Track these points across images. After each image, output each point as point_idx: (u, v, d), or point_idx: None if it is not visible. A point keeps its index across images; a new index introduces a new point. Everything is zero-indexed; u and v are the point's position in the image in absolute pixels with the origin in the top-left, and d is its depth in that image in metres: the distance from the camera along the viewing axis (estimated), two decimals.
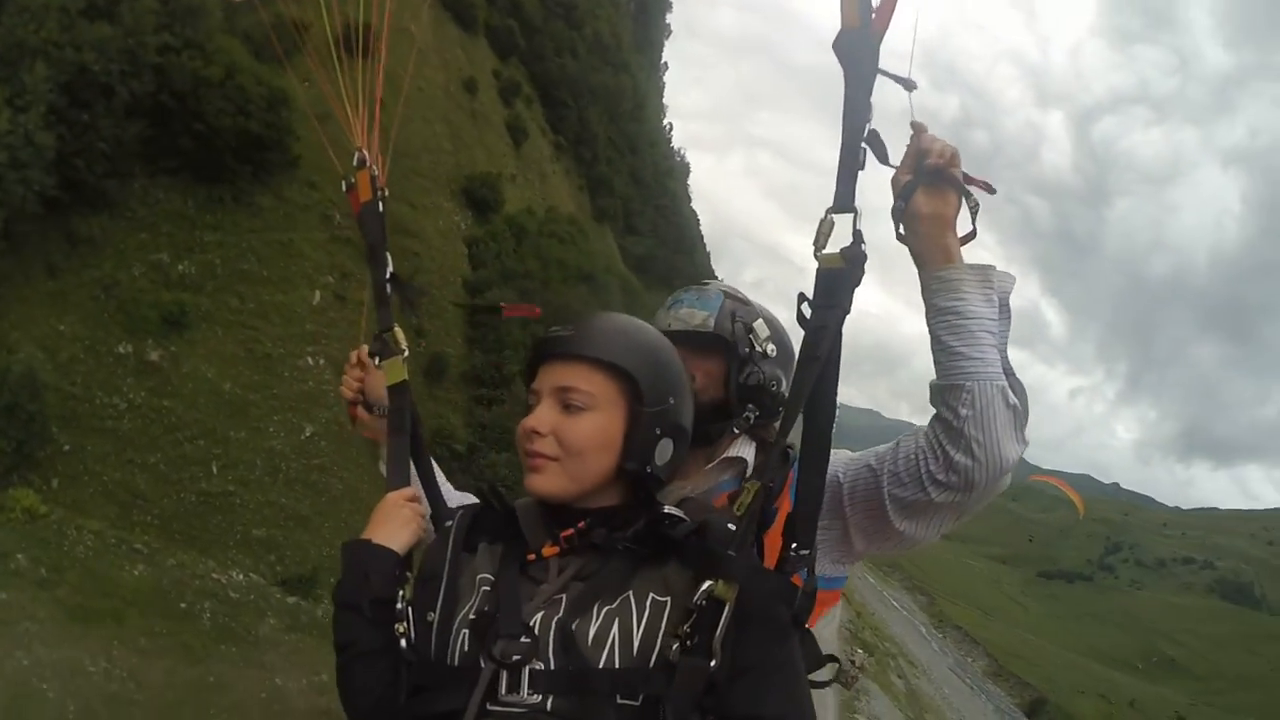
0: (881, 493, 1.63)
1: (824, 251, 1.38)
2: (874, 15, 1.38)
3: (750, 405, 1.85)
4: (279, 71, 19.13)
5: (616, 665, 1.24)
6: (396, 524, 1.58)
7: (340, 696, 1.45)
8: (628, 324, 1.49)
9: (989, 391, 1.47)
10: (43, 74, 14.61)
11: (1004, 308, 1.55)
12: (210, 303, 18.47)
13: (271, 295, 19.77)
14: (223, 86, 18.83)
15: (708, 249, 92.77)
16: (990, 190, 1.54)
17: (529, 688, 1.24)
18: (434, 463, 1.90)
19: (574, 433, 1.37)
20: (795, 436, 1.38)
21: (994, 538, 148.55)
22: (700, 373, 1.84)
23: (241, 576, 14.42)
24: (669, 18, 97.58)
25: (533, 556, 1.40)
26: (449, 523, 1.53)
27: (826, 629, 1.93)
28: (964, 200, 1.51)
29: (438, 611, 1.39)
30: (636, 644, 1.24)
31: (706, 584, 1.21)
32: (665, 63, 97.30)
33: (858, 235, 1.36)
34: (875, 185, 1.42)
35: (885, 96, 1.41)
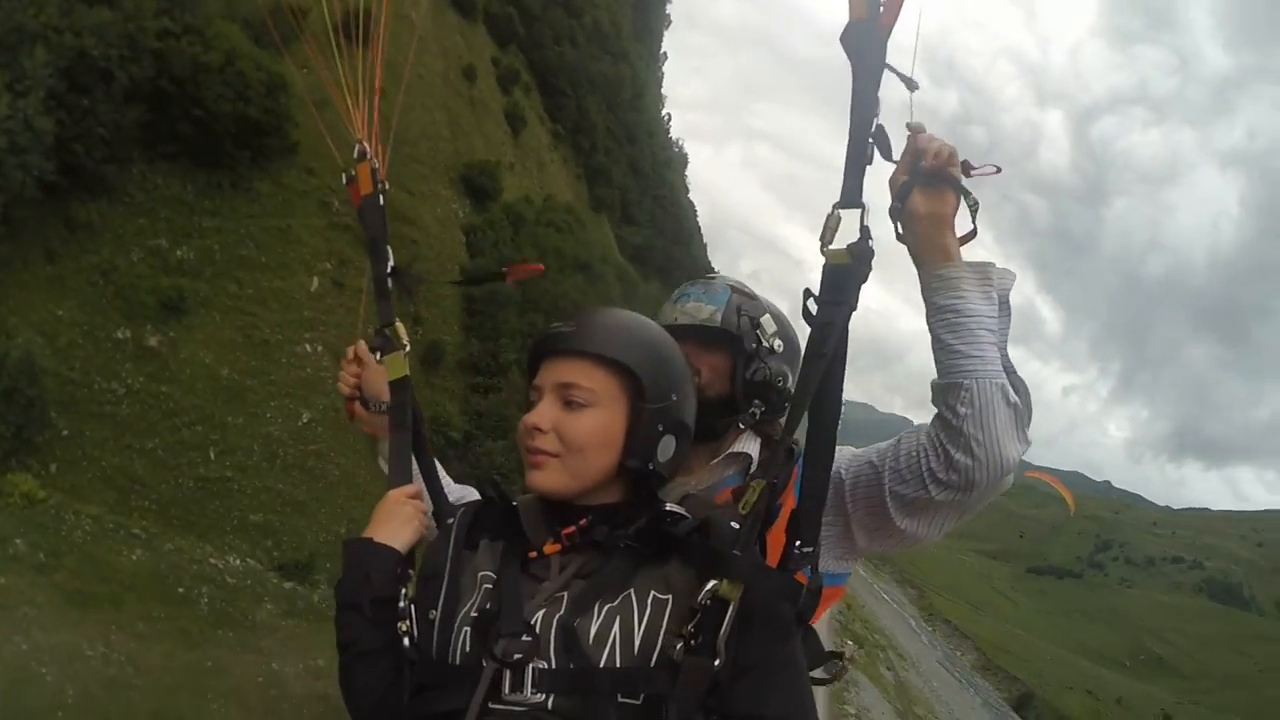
0: (883, 489, 1.62)
1: (831, 247, 1.38)
2: (882, 8, 1.37)
3: (756, 401, 1.84)
4: (278, 57, 19.03)
5: (618, 664, 1.23)
6: (398, 522, 1.57)
7: (343, 695, 1.45)
8: (630, 320, 1.48)
9: (988, 389, 1.46)
10: (42, 59, 14.52)
11: (1004, 305, 1.53)
12: (208, 288, 18.43)
13: (269, 281, 19.73)
14: (222, 72, 18.72)
15: (704, 240, 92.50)
16: (996, 170, 1.53)
17: (532, 686, 1.23)
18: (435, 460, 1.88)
19: (575, 429, 1.37)
20: (799, 433, 1.37)
21: (985, 533, 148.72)
22: (706, 367, 1.84)
23: (238, 562, 14.46)
24: (669, 7, 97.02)
25: (534, 554, 1.39)
26: (450, 520, 1.52)
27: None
28: (963, 199, 1.49)
29: (439, 610, 1.39)
30: (638, 643, 1.24)
31: (711, 583, 1.21)
32: (665, 52, 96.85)
33: (865, 231, 1.36)
34: (874, 183, 1.41)
35: (884, 90, 1.40)
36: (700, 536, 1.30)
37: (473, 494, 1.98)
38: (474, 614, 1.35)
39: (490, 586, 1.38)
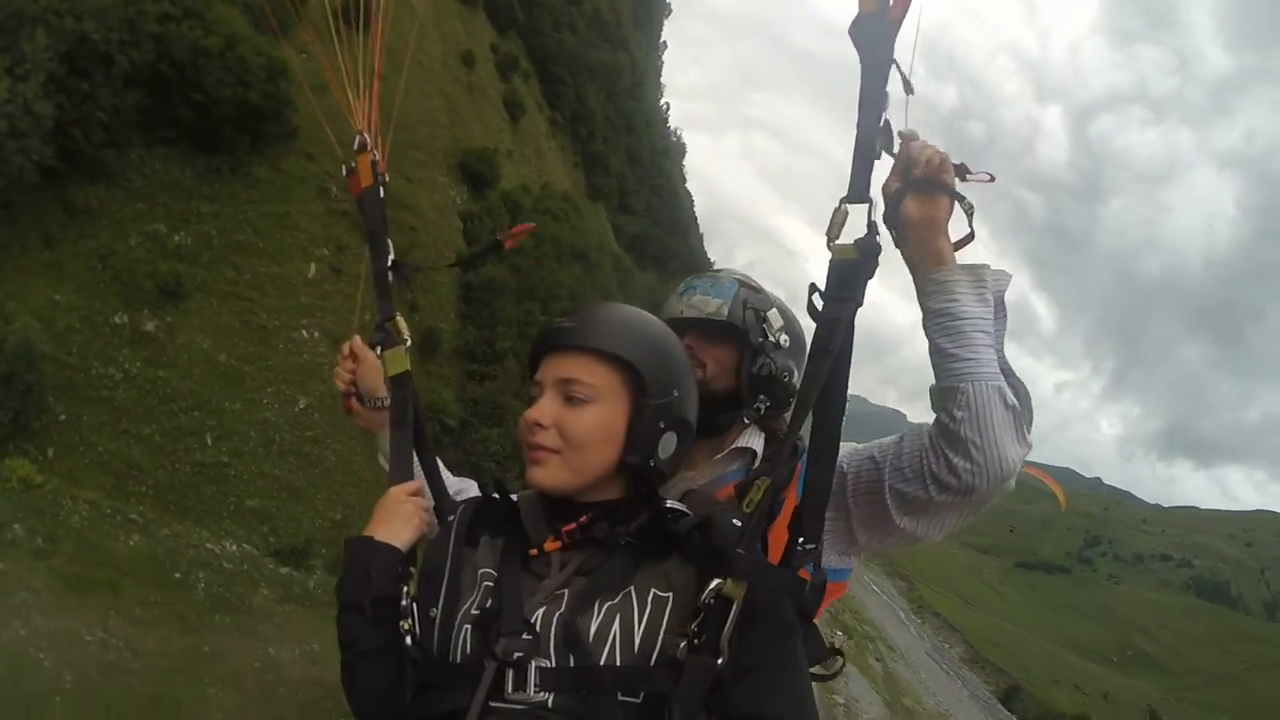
0: (883, 486, 1.61)
1: (837, 242, 1.37)
2: (892, 1, 1.36)
3: (761, 396, 1.83)
4: (278, 42, 18.95)
5: (617, 662, 1.23)
6: (399, 520, 1.56)
7: (345, 694, 1.45)
8: (632, 315, 1.46)
9: (984, 392, 1.44)
10: (42, 42, 14.43)
11: (999, 306, 1.52)
12: (206, 274, 18.34)
13: (267, 267, 19.65)
14: (222, 57, 18.58)
15: (700, 230, 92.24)
16: (990, 179, 1.51)
17: (536, 685, 1.23)
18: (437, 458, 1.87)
19: (576, 425, 1.36)
20: (804, 428, 1.37)
21: (975, 526, 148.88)
22: (712, 361, 1.83)
23: (235, 547, 14.45)
24: None
25: (535, 551, 1.38)
26: (451, 517, 1.52)
27: None
28: (957, 203, 1.48)
29: (439, 608, 1.39)
30: (638, 641, 1.24)
31: (715, 582, 1.20)
32: (664, 41, 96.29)
33: (872, 227, 1.35)
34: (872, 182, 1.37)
35: (887, 85, 1.36)
36: (702, 534, 1.29)
37: (471, 486, 1.98)
38: (474, 612, 1.35)
39: (491, 584, 1.38)
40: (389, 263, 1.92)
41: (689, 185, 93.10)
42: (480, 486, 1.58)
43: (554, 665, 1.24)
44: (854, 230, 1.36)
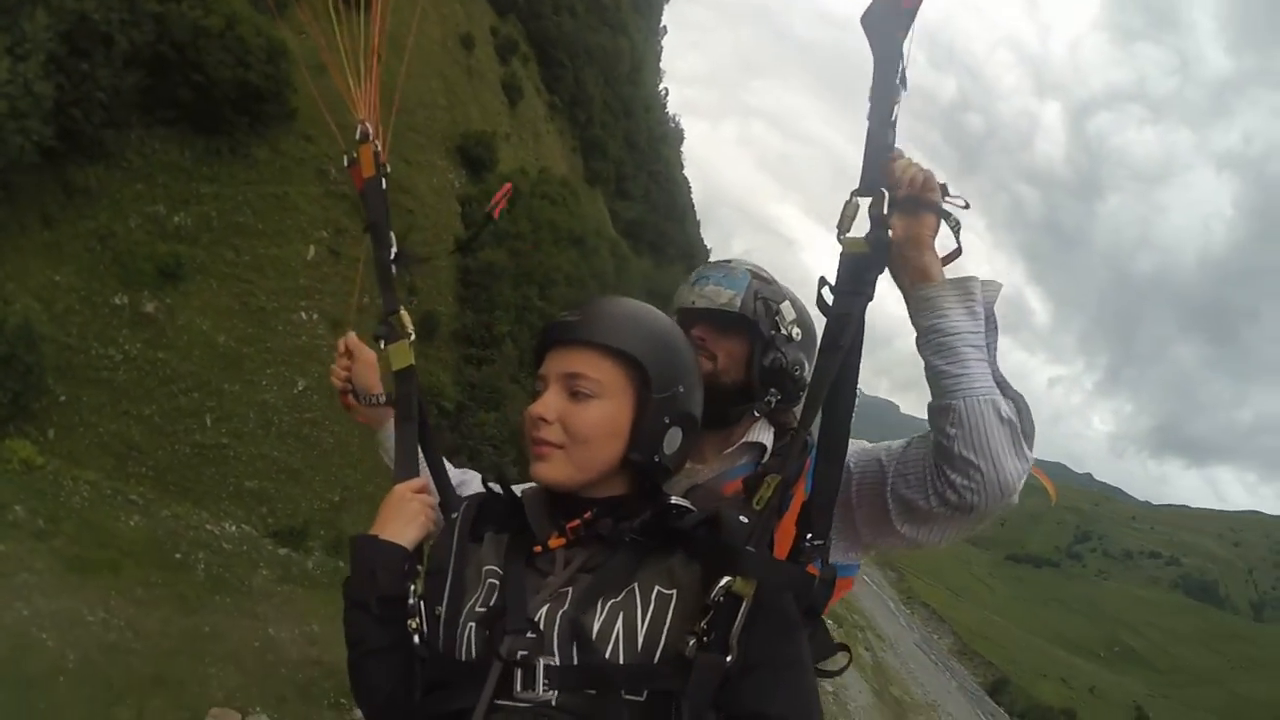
0: (885, 488, 1.58)
1: (848, 235, 1.36)
2: None
3: (772, 389, 1.80)
4: (277, 23, 18.84)
5: (621, 660, 1.23)
6: (405, 518, 1.55)
7: (353, 692, 1.46)
8: (637, 309, 1.45)
9: (977, 407, 1.40)
10: (43, 22, 14.31)
11: (990, 319, 1.47)
12: (206, 255, 18.29)
13: (266, 249, 19.59)
14: (222, 37, 18.46)
15: (698, 217, 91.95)
16: (965, 205, 1.45)
17: (544, 684, 1.23)
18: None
19: (581, 420, 1.35)
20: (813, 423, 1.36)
21: None
22: (722, 353, 1.81)
23: (234, 528, 14.52)
24: None
25: (539, 548, 1.38)
26: (454, 514, 1.51)
27: None
28: (944, 220, 1.45)
29: (444, 606, 1.39)
30: (641, 639, 1.24)
31: (724, 580, 1.20)
32: (664, 26, 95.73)
33: (883, 220, 1.35)
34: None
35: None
36: (708, 530, 1.29)
37: (473, 478, 1.98)
38: (479, 610, 1.35)
39: (495, 581, 1.37)
40: (392, 255, 1.89)
41: (687, 171, 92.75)
42: (483, 481, 1.57)
43: (560, 664, 1.24)
44: (864, 223, 1.35)
